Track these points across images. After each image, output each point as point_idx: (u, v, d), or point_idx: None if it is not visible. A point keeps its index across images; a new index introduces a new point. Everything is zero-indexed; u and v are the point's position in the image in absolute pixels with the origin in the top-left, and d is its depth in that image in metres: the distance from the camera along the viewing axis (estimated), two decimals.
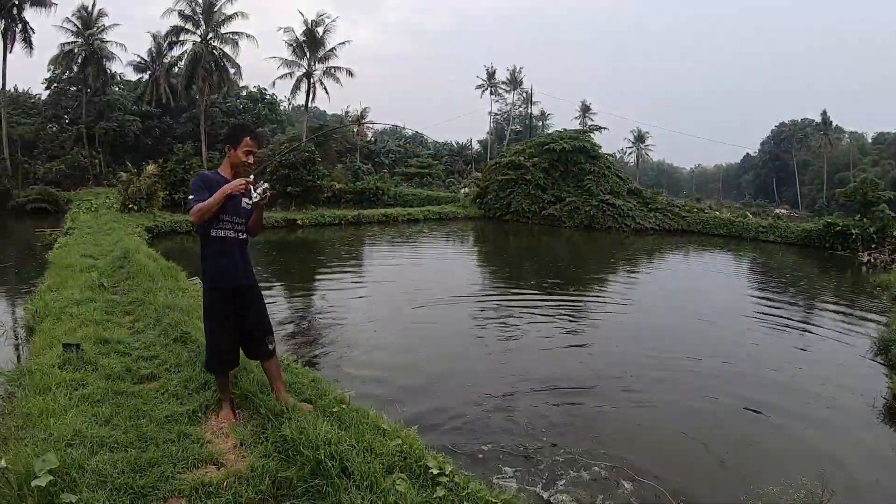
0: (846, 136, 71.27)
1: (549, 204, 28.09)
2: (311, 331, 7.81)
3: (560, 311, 9.69)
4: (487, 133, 61.96)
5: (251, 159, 3.34)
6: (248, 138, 3.32)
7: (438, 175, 46.30)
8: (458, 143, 63.59)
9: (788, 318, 9.81)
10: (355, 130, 48.49)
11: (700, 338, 8.54)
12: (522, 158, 29.54)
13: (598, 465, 4.14)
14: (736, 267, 17.94)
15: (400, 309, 9.27)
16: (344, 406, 3.50)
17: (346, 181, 34.48)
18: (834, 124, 63.99)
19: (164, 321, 5.50)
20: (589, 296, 11.61)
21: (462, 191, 36.95)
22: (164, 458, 2.95)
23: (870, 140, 69.45)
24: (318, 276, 12.75)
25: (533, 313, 9.33)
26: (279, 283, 11.65)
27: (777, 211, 38.16)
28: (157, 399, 3.74)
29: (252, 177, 3.26)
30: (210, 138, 34.74)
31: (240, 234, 3.36)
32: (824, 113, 60.20)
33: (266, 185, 3.24)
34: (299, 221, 23.83)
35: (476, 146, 61.49)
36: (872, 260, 19.26)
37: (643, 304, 10.98)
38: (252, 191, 3.21)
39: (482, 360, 6.88)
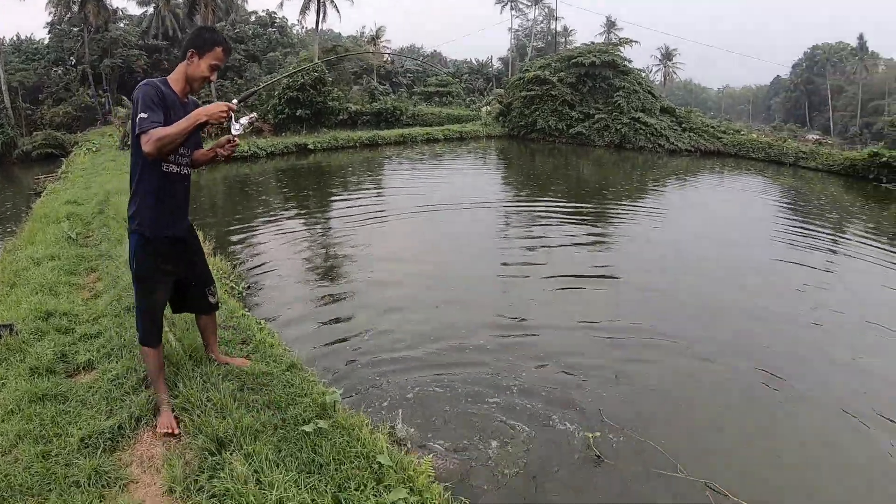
0: (881, 63, 65.74)
1: (578, 122, 26.70)
2: (332, 262, 7.60)
3: (586, 237, 9.38)
4: (508, 50, 57.60)
5: (214, 77, 2.60)
6: (220, 49, 2.54)
7: (459, 94, 43.98)
8: (477, 61, 59.59)
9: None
10: (371, 52, 45.59)
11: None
12: (548, 73, 27.80)
13: None
14: (779, 195, 16.35)
15: (424, 235, 9.34)
16: (321, 424, 2.41)
17: (362, 102, 32.80)
18: (870, 50, 58.92)
19: (122, 282, 4.41)
20: (621, 220, 10.84)
21: (483, 109, 34.86)
22: None
23: None
24: (335, 202, 12.43)
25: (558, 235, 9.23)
26: (293, 213, 11.23)
27: (809, 136, 35.47)
28: (82, 404, 2.69)
29: (235, 101, 2.44)
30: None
31: (183, 168, 2.66)
32: (861, 37, 55.72)
33: (254, 116, 2.56)
34: (311, 146, 22.42)
35: (497, 64, 57.59)
36: None
37: (677, 230, 10.32)
38: (234, 121, 2.37)
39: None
